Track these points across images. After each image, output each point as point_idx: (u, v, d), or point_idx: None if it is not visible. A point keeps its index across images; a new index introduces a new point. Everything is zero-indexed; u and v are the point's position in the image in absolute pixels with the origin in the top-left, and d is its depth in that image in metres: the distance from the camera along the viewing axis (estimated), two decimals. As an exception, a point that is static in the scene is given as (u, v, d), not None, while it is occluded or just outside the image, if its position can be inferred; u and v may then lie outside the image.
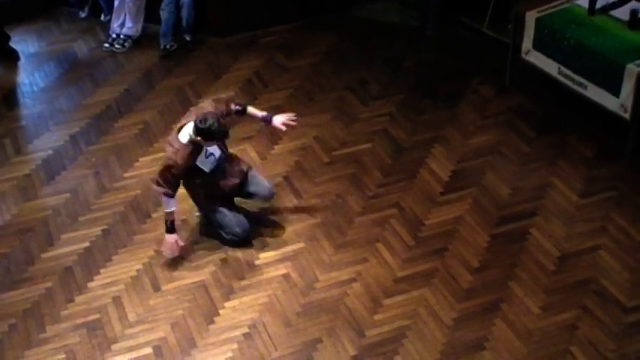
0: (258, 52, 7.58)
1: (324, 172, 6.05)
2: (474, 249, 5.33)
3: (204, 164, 5.16)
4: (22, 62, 7.54)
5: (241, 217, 5.36)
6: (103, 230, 5.58)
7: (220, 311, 4.96)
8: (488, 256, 5.28)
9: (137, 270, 5.26)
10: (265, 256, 5.34)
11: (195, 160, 5.10)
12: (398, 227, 5.53)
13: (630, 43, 5.98)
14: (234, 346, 4.75)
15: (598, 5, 6.31)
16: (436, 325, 4.82)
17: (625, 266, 5.17)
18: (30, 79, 7.31)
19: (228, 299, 5.04)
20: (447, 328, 4.81)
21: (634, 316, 4.84)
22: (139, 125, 6.63)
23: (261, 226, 5.56)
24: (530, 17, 6.44)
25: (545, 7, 6.48)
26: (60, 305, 5.03)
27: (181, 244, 5.27)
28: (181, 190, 5.77)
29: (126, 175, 6.09)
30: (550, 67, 6.37)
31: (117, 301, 5.05)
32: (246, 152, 6.19)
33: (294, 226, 5.56)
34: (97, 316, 4.95)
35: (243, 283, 5.15)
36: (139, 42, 7.73)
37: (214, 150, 5.18)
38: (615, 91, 5.86)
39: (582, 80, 6.09)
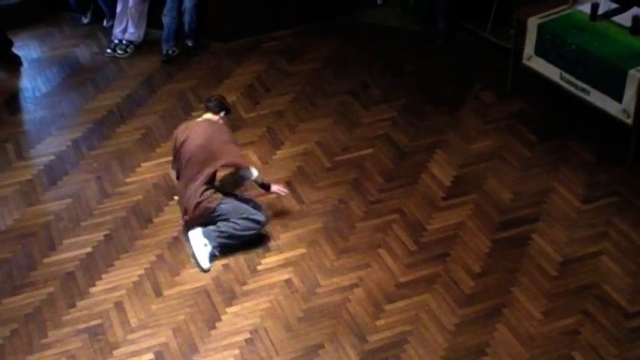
0: (260, 57, 7.59)
1: (325, 177, 6.06)
2: (475, 254, 5.33)
3: None
4: (25, 67, 7.56)
5: (258, 205, 5.45)
6: (104, 235, 5.58)
7: (222, 316, 4.96)
8: (490, 261, 5.28)
9: (139, 275, 5.26)
10: (267, 262, 5.34)
11: None
12: (400, 232, 5.53)
13: (632, 48, 5.99)
14: (236, 351, 4.75)
15: (600, 11, 6.32)
16: (438, 331, 4.82)
17: (627, 271, 5.17)
18: (32, 84, 7.32)
19: (230, 304, 5.04)
20: (449, 334, 4.80)
21: (636, 321, 4.84)
22: (141, 130, 6.64)
23: (263, 232, 5.56)
24: (532, 23, 6.45)
25: (547, 12, 6.49)
26: (62, 310, 5.03)
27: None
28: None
29: (128, 180, 6.10)
30: (552, 72, 6.37)
31: (119, 306, 5.05)
32: (249, 157, 6.19)
33: (296, 231, 5.56)
34: (99, 321, 4.95)
35: (245, 288, 5.15)
36: (141, 47, 7.74)
37: None
38: (618, 97, 5.86)
39: (585, 86, 6.10)
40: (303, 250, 5.41)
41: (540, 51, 6.43)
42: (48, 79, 7.39)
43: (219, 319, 4.94)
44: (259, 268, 5.29)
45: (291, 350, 4.74)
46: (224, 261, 5.34)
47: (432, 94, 6.97)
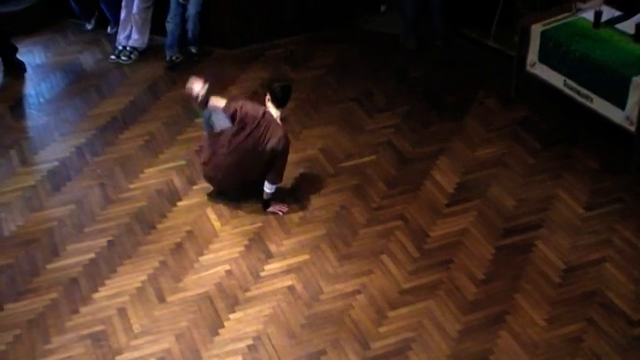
0: (264, 64, 7.61)
1: (329, 183, 6.06)
2: (478, 261, 5.32)
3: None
4: (29, 73, 7.57)
5: None
6: (108, 241, 5.58)
7: (225, 323, 4.96)
8: (494, 268, 5.27)
9: (142, 281, 5.26)
10: (270, 268, 5.34)
11: None
12: (403, 239, 5.52)
13: (636, 56, 5.99)
14: (239, 357, 4.74)
15: (603, 18, 6.32)
16: (441, 337, 4.81)
17: (631, 278, 5.16)
18: (36, 90, 7.34)
19: (232, 311, 5.04)
20: (452, 340, 4.79)
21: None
22: (145, 136, 6.65)
23: (266, 238, 5.56)
24: (536, 30, 6.46)
25: (551, 19, 6.50)
26: (65, 316, 5.03)
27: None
28: (190, 201, 5.81)
29: (131, 186, 6.10)
30: (555, 79, 6.38)
31: (122, 312, 5.04)
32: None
33: (299, 238, 5.56)
34: (102, 327, 4.95)
35: (248, 294, 5.15)
36: (145, 54, 7.76)
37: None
38: (621, 104, 5.86)
39: (588, 93, 6.10)
40: (306, 257, 5.41)
41: (544, 58, 6.44)
42: (52, 85, 7.41)
43: (222, 326, 4.94)
44: (262, 274, 5.29)
45: (294, 357, 4.73)
46: (227, 267, 5.34)
47: (435, 101, 6.97)
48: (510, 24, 7.25)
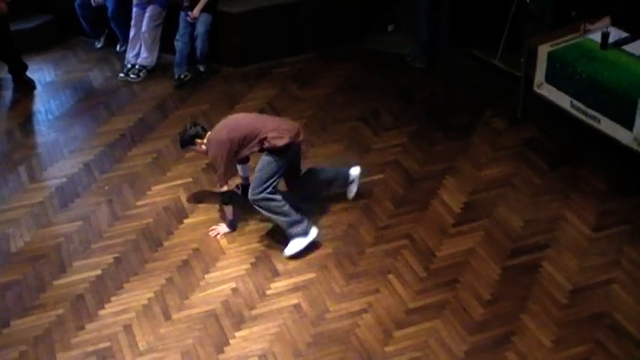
0: (271, 82, 7.64)
1: (336, 202, 6.06)
2: (485, 281, 5.31)
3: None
4: (39, 90, 7.63)
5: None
6: (114, 258, 5.59)
7: (231, 341, 4.95)
8: (500, 288, 5.26)
9: (148, 298, 5.26)
10: (276, 286, 5.33)
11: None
12: (409, 258, 5.52)
13: (643, 77, 6.00)
14: (244, 376, 4.73)
15: (610, 40, 6.34)
16: (447, 358, 4.78)
17: (639, 300, 5.13)
18: (45, 107, 7.38)
19: (238, 329, 5.03)
20: (459, 361, 4.77)
21: (648, 351, 4.80)
22: (153, 154, 6.68)
23: (273, 256, 5.56)
24: (543, 51, 6.48)
25: (558, 40, 6.52)
26: (71, 332, 5.03)
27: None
28: (197, 219, 5.81)
29: (139, 203, 6.12)
30: (562, 100, 6.38)
31: (128, 329, 5.04)
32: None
33: (306, 256, 5.56)
34: (108, 344, 4.94)
35: (254, 312, 5.14)
36: (154, 72, 7.82)
37: None
38: (628, 125, 5.86)
39: (595, 114, 6.10)
40: (312, 275, 5.40)
41: (551, 79, 6.45)
42: (61, 102, 7.45)
43: (228, 344, 4.93)
44: (268, 292, 5.29)
45: (300, 376, 4.72)
46: (233, 285, 5.34)
47: (442, 120, 6.99)
48: (518, 45, 7.27)
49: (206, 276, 5.43)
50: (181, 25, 7.65)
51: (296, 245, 5.50)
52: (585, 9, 6.98)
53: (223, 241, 5.69)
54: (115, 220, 5.95)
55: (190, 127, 5.69)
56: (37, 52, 8.11)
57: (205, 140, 5.61)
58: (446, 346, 4.85)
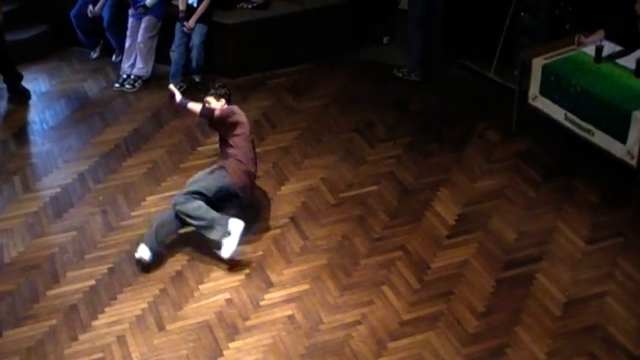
0: (266, 94, 7.66)
1: (330, 213, 6.07)
2: (479, 293, 5.31)
3: None
4: (33, 100, 7.63)
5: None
6: (108, 269, 5.58)
7: (224, 352, 4.94)
8: (494, 300, 5.26)
9: (142, 309, 5.25)
10: (270, 297, 5.33)
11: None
12: (403, 270, 5.52)
13: (636, 91, 6.02)
14: (238, 387, 4.72)
15: (604, 53, 6.37)
16: (441, 370, 4.79)
17: (632, 313, 5.14)
18: (40, 117, 7.38)
19: (232, 340, 5.02)
20: (453, 373, 4.77)
21: (641, 364, 4.81)
22: (148, 164, 6.68)
23: (267, 267, 5.56)
24: (537, 63, 6.51)
25: (552, 53, 6.55)
26: (64, 343, 5.01)
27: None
28: (191, 229, 5.80)
29: (133, 213, 6.11)
30: (556, 113, 6.41)
31: (121, 340, 5.03)
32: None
33: (300, 267, 5.56)
34: (101, 355, 4.93)
35: (248, 323, 5.13)
36: (149, 82, 7.83)
37: None
38: (622, 138, 5.88)
39: (589, 127, 6.13)
40: (306, 286, 5.40)
41: (545, 91, 6.48)
42: (56, 112, 7.45)
43: (222, 355, 4.92)
44: (262, 303, 5.28)
45: (294, 387, 4.71)
46: (227, 296, 5.33)
47: (437, 132, 7.01)
48: (512, 57, 7.30)
49: (200, 287, 5.42)
50: (177, 35, 7.68)
51: (229, 245, 5.48)
52: (579, 22, 7.03)
53: (218, 252, 5.68)
54: (109, 231, 5.94)
55: (225, 89, 6.06)
56: (32, 62, 8.11)
57: (223, 102, 5.95)
58: (440, 358, 4.85)
